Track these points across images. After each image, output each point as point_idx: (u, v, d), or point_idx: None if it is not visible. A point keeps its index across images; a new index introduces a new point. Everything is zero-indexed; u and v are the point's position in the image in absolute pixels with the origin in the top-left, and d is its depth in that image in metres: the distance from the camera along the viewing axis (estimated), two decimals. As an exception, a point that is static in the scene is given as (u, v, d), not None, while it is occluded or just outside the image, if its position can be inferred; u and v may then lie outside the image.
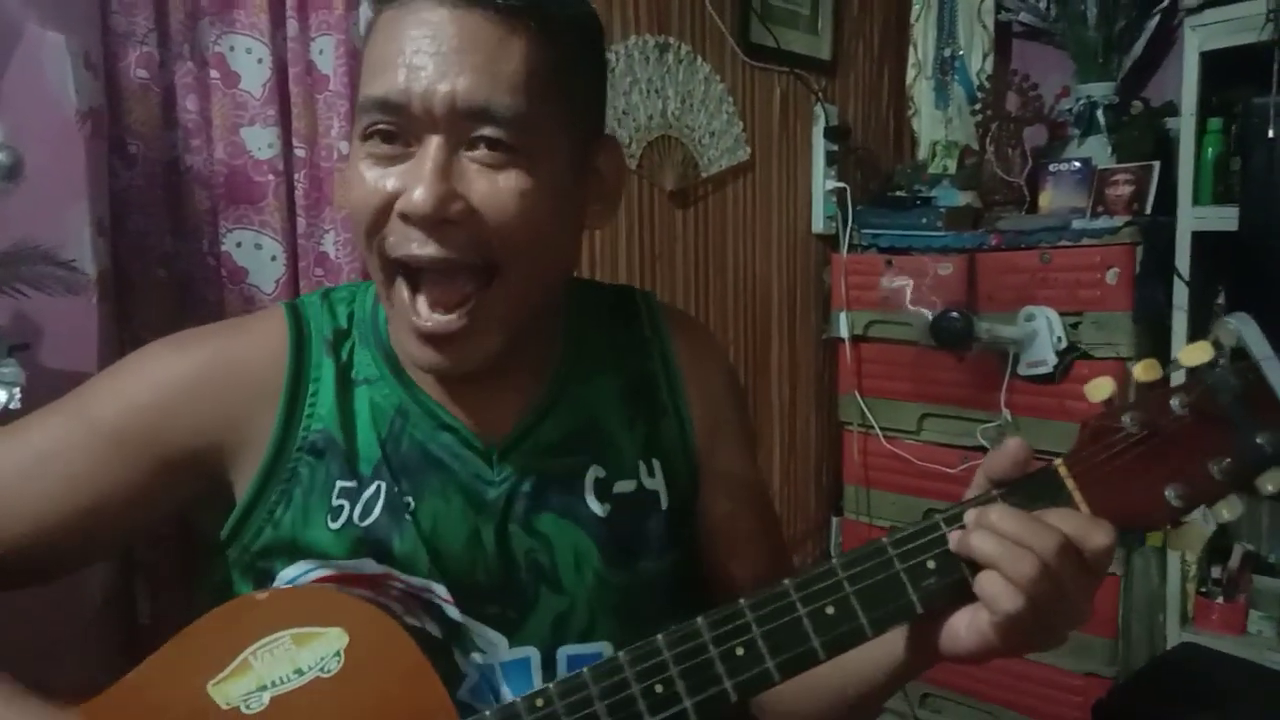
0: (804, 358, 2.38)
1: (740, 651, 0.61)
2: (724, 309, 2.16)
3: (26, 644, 0.98)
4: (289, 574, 0.73)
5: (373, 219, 0.68)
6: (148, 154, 1.31)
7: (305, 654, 0.65)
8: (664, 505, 0.81)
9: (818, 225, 2.34)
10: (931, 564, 0.62)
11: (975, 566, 0.61)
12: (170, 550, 1.31)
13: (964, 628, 0.62)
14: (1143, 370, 0.62)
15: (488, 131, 0.66)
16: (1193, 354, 0.62)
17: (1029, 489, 0.63)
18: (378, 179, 0.67)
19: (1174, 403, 0.61)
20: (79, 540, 0.73)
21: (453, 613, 0.73)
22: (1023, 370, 1.97)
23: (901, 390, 2.24)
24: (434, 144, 0.66)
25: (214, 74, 1.36)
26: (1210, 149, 1.92)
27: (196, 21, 1.35)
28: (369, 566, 0.73)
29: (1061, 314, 1.92)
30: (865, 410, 2.29)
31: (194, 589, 0.85)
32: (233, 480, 0.75)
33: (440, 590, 0.73)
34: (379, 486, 0.74)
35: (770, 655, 0.61)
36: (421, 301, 0.69)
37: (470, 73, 0.65)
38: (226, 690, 0.65)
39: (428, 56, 0.65)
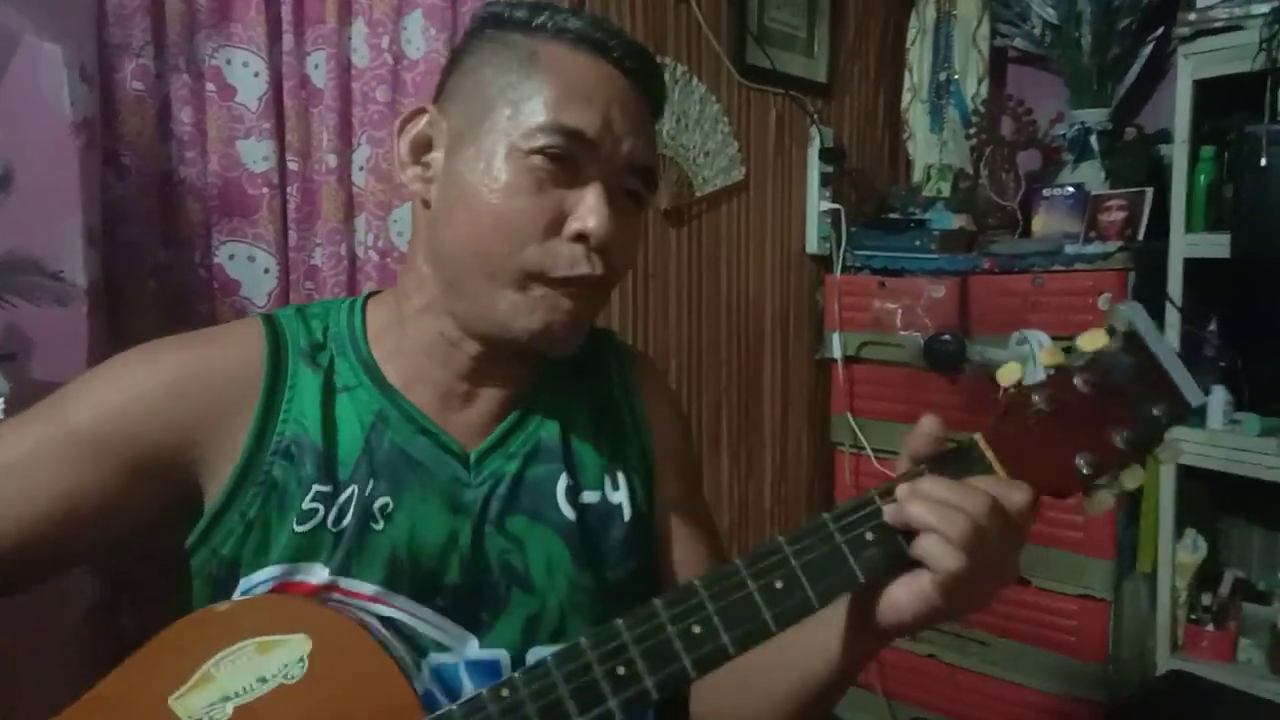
0: (796, 378, 2.38)
1: (697, 629, 0.64)
2: (717, 328, 2.16)
3: (6, 657, 0.97)
4: (249, 582, 0.74)
5: (538, 230, 0.75)
6: (141, 165, 1.31)
7: (269, 662, 0.66)
8: (626, 517, 0.86)
9: (811, 246, 2.35)
10: (870, 535, 0.66)
11: (909, 536, 0.65)
12: (153, 564, 1.30)
13: (905, 594, 0.65)
14: (1047, 355, 0.69)
15: (637, 185, 0.80)
16: (1090, 340, 0.69)
17: (953, 462, 0.68)
18: (544, 200, 0.75)
19: (1077, 381, 0.67)
20: (51, 549, 0.73)
21: (406, 620, 0.75)
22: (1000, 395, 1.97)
23: (893, 411, 2.24)
24: (606, 183, 0.76)
25: (210, 86, 1.36)
26: (1203, 176, 1.93)
27: (193, 34, 1.35)
28: (317, 574, 0.74)
29: (1053, 338, 1.91)
30: (857, 431, 2.29)
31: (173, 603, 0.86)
32: (204, 485, 0.77)
33: (400, 600, 0.75)
34: (353, 491, 0.77)
35: (725, 630, 0.64)
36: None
37: (644, 137, 0.79)
38: (189, 703, 0.65)
39: (621, 115, 0.77)
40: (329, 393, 0.79)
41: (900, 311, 2.13)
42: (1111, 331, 0.68)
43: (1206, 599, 1.98)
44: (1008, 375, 0.69)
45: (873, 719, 2.28)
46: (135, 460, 0.74)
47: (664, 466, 0.91)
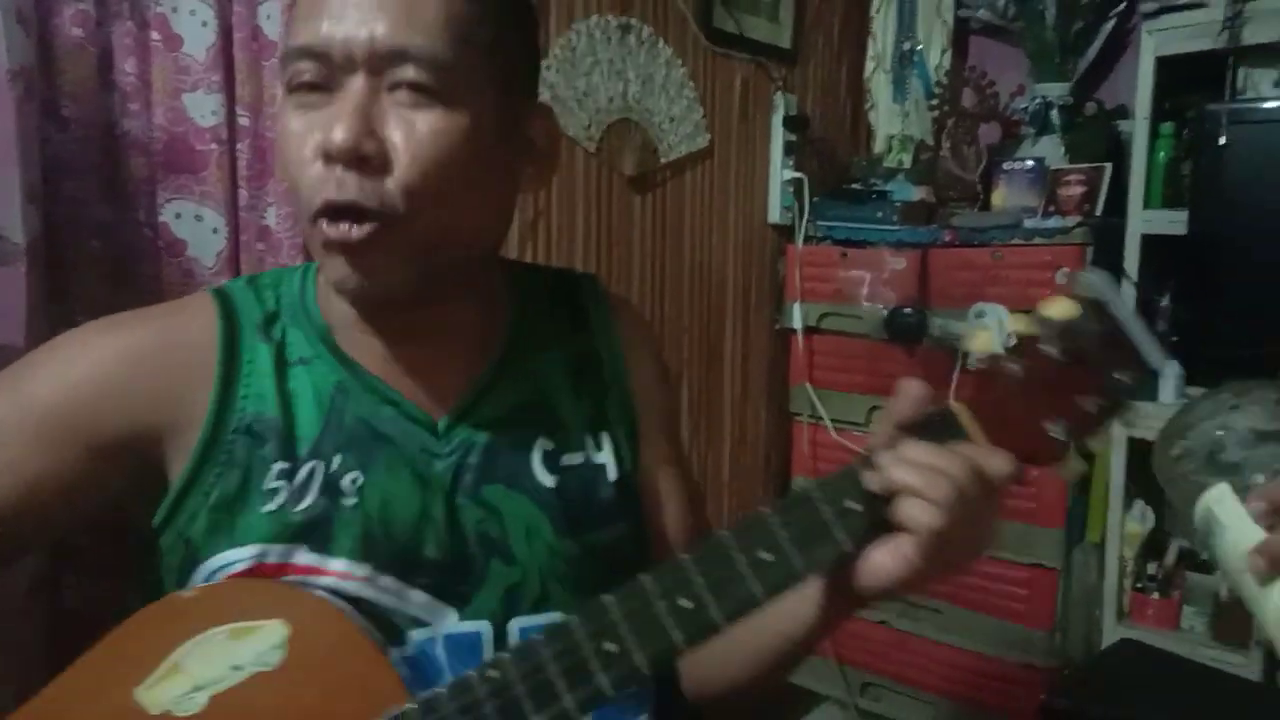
0: (757, 348, 2.37)
1: (686, 603, 0.63)
2: (679, 297, 2.14)
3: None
4: (213, 564, 0.71)
5: (303, 166, 0.68)
6: (82, 117, 1.24)
7: (243, 649, 0.63)
8: (612, 478, 0.83)
9: (774, 215, 2.33)
10: (852, 504, 0.66)
11: (892, 503, 0.65)
12: (100, 537, 1.25)
13: (885, 558, 0.65)
14: (1016, 323, 0.70)
15: (408, 73, 0.67)
16: (1057, 308, 0.69)
17: (932, 429, 0.68)
18: (306, 127, 0.68)
19: (1047, 349, 0.68)
20: (16, 530, 0.69)
21: (385, 596, 0.72)
22: (972, 364, 1.98)
23: (852, 382, 2.24)
24: (355, 85, 0.67)
25: (155, 35, 1.29)
26: (1162, 153, 1.95)
27: (137, -21, 1.28)
28: (299, 555, 0.71)
29: (1012, 311, 1.93)
30: (815, 401, 2.29)
31: (129, 586, 0.82)
32: (167, 464, 0.73)
33: (362, 570, 0.72)
34: (313, 468, 0.73)
35: (715, 603, 0.63)
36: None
37: (388, 17, 0.66)
38: (157, 695, 0.62)
39: (349, 6, 0.67)
40: (282, 366, 0.76)
41: (862, 283, 2.13)
42: (1077, 298, 0.70)
43: (1152, 568, 2.03)
44: (980, 344, 0.69)
45: (826, 684, 2.30)
46: (98, 436, 0.70)
47: (647, 420, 0.88)
